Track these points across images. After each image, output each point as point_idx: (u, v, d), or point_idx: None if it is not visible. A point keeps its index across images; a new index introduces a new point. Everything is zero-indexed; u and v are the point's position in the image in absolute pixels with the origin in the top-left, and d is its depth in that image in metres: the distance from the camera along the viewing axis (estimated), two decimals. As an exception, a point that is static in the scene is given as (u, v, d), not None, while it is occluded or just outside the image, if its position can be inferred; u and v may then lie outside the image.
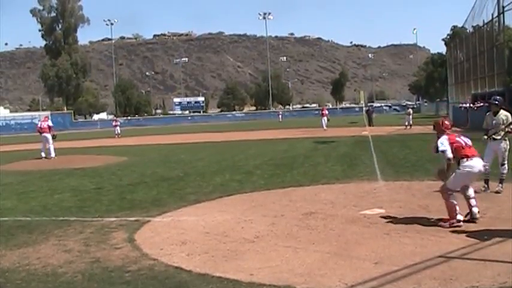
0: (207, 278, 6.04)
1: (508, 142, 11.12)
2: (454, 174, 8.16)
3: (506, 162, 11.08)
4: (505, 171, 11.06)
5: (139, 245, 7.75)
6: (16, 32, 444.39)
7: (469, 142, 8.44)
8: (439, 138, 8.39)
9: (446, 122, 8.70)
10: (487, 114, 11.57)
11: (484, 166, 10.93)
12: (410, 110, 45.14)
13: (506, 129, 10.87)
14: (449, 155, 8.08)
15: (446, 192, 8.19)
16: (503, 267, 5.93)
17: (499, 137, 11.00)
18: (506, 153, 11.13)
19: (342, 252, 6.91)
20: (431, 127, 9.01)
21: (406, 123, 41.70)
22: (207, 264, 6.62)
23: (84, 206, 11.50)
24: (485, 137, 11.12)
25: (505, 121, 10.92)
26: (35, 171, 19.66)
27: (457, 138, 8.35)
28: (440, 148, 8.19)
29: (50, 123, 27.08)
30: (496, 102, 11.26)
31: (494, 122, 11.07)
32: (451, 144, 8.18)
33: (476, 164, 8.18)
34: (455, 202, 8.06)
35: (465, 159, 8.11)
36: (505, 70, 35.61)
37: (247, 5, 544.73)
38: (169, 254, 7.17)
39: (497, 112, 11.12)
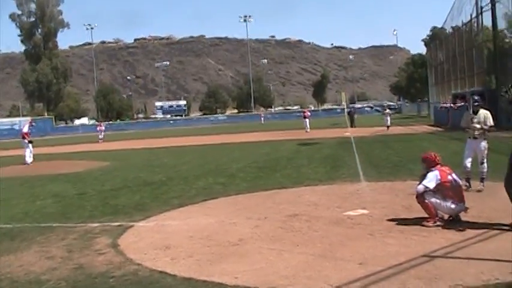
0: (192, 282, 6.02)
1: (487, 141, 11.26)
2: (431, 195, 8.18)
3: (485, 160, 11.20)
4: (485, 170, 11.17)
5: (123, 250, 7.70)
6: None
7: (459, 181, 8.49)
8: (428, 171, 8.39)
9: (438, 157, 8.59)
10: (465, 113, 11.73)
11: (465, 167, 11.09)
12: (389, 111, 44.80)
13: (484, 127, 11.03)
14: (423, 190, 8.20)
15: (419, 197, 8.28)
16: (487, 265, 5.98)
17: (478, 136, 11.14)
18: (486, 151, 11.26)
19: (326, 253, 6.92)
20: (421, 159, 8.81)
21: (387, 124, 41.30)
22: (192, 268, 6.60)
23: (66, 212, 11.42)
24: (471, 138, 11.28)
25: (484, 119, 11.06)
26: (16, 178, 19.48)
27: (449, 177, 8.27)
28: (426, 184, 8.18)
29: (24, 129, 26.65)
30: (476, 103, 11.40)
31: (475, 120, 11.18)
32: (442, 183, 8.17)
33: (455, 210, 8.21)
34: (432, 202, 8.13)
35: (450, 201, 8.14)
36: (484, 70, 35.97)
37: (228, 8, 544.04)
38: (154, 259, 7.14)
39: (477, 111, 11.25)
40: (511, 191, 7.76)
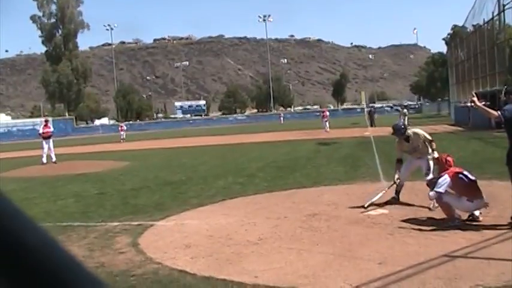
0: (212, 281, 6.05)
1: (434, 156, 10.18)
2: (447, 195, 8.16)
3: (430, 171, 10.13)
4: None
5: (143, 249, 7.75)
6: (16, 39, 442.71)
7: (472, 178, 8.31)
8: (441, 173, 8.42)
9: (449, 159, 8.61)
10: (397, 141, 11.00)
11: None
12: (406, 111, 43.75)
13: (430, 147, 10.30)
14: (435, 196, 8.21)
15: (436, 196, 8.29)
16: (507, 265, 5.93)
17: (422, 156, 10.42)
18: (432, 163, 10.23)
19: (345, 253, 6.92)
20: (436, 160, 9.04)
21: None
22: (211, 267, 6.63)
23: (87, 212, 11.51)
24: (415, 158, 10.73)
25: (422, 138, 10.41)
26: (37, 178, 19.67)
27: (460, 175, 8.25)
28: (436, 189, 8.16)
29: (39, 130, 27.36)
30: (402, 131, 10.73)
31: (411, 148, 10.54)
32: (453, 184, 8.17)
33: (471, 207, 8.16)
34: (447, 201, 8.10)
35: (465, 199, 8.08)
36: (506, 69, 35.58)
37: (247, 8, 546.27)
38: (174, 258, 7.18)
39: (408, 138, 10.55)
40: None
